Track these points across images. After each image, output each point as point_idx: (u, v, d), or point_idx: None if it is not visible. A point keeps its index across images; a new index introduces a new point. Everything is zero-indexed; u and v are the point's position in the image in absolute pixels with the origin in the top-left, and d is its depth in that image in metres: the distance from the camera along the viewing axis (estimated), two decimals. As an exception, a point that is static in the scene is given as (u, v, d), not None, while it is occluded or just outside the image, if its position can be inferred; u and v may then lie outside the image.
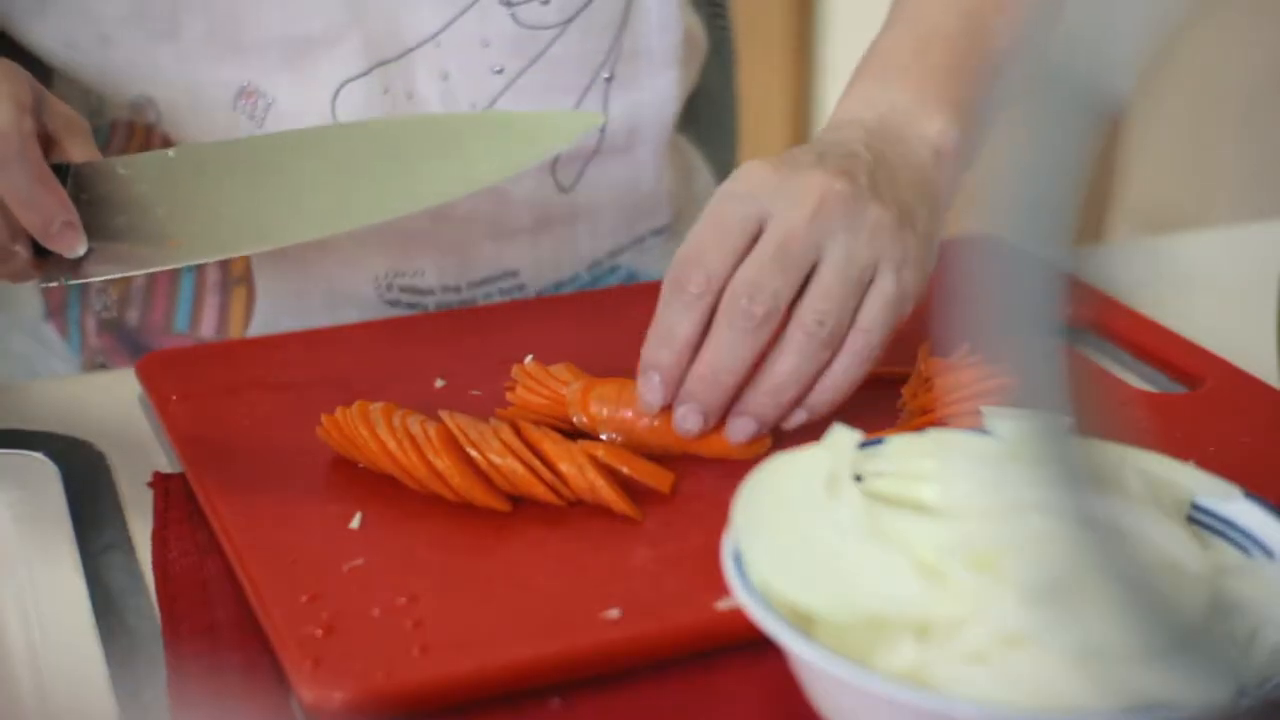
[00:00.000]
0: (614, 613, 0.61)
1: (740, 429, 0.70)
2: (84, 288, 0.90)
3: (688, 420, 0.70)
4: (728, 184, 0.72)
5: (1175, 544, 0.53)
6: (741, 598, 0.53)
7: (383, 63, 0.84)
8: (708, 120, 1.01)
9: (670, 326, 0.70)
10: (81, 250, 0.72)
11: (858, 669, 0.50)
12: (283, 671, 0.59)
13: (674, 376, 0.70)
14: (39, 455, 0.75)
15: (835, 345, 0.69)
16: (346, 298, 0.89)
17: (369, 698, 0.57)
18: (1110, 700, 0.48)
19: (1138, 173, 2.08)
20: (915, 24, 0.81)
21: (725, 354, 0.69)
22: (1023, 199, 0.42)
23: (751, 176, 0.71)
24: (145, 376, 0.80)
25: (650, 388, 0.70)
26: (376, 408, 0.71)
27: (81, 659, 0.61)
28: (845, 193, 0.69)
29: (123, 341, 0.90)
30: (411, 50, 0.85)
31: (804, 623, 0.52)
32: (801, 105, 2.42)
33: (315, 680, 0.57)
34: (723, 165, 1.08)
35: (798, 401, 0.70)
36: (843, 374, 0.70)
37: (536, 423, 0.72)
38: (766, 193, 0.70)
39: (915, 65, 0.78)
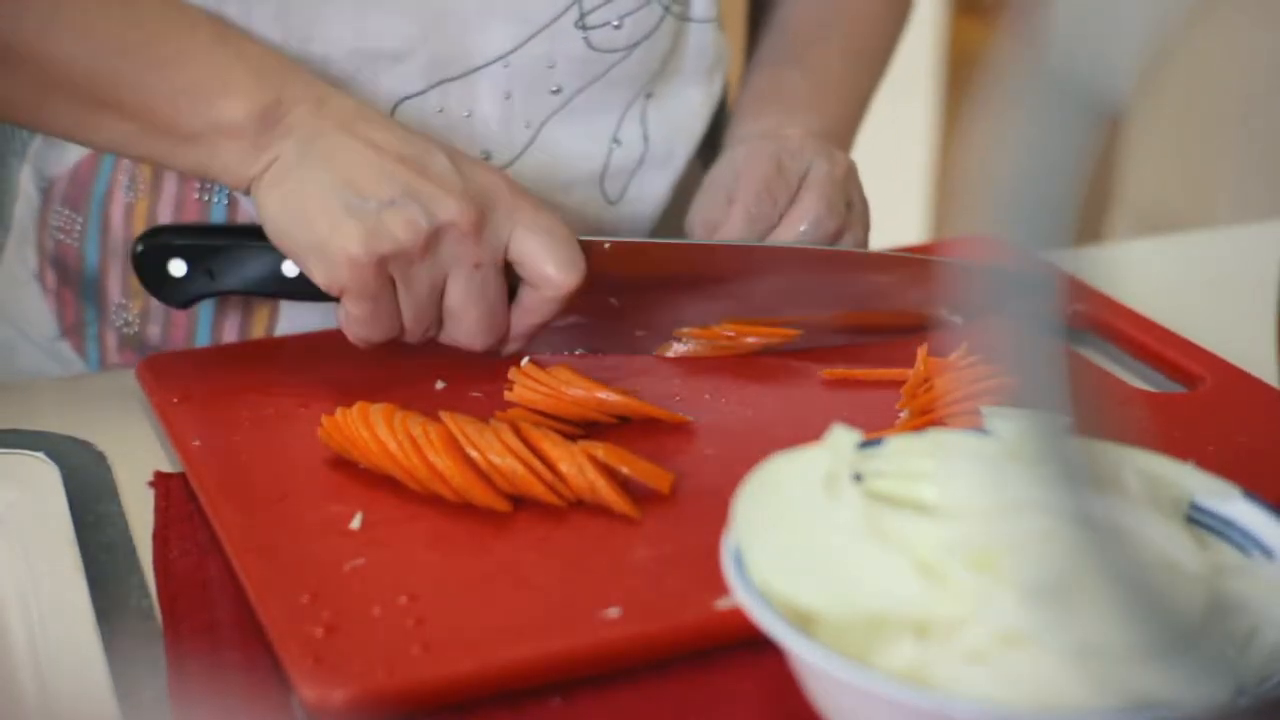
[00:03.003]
0: (614, 612, 0.61)
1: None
2: (101, 303, 0.90)
3: None
4: (780, 142, 0.88)
5: (1174, 544, 0.53)
6: (741, 597, 0.53)
7: (443, 81, 0.84)
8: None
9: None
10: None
11: (857, 668, 0.50)
12: (284, 671, 0.59)
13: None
14: (39, 455, 0.75)
15: None
16: None
17: (370, 697, 0.57)
18: (1109, 700, 0.48)
19: (1137, 173, 2.08)
20: (811, 69, 0.95)
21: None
22: (1023, 199, 0.42)
23: (797, 137, 0.89)
24: (146, 379, 0.80)
25: None
26: (377, 409, 0.71)
27: (82, 659, 0.61)
28: (854, 170, 0.90)
29: (145, 357, 0.90)
30: (478, 69, 0.85)
31: (804, 622, 0.53)
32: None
33: (316, 679, 0.57)
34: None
35: None
36: None
37: (536, 423, 0.72)
38: (811, 153, 0.88)
39: (816, 105, 0.93)
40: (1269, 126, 1.94)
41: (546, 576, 0.63)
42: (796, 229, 0.85)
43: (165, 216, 0.86)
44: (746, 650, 0.59)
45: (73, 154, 0.88)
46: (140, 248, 0.79)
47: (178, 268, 0.79)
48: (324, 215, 0.73)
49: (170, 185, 0.86)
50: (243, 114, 0.74)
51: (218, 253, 0.79)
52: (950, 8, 2.62)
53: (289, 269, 0.78)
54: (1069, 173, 0.41)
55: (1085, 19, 0.41)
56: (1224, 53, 1.93)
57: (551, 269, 0.76)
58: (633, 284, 0.82)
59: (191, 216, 0.86)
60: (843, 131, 0.95)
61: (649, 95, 0.91)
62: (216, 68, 0.75)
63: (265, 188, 0.75)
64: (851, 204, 0.88)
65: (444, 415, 0.71)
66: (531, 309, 0.78)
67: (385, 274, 0.74)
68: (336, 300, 0.76)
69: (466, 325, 0.77)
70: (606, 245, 0.80)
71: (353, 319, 0.75)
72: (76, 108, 0.76)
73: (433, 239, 0.74)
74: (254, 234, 0.78)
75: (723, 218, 0.86)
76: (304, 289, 0.78)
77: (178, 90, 0.75)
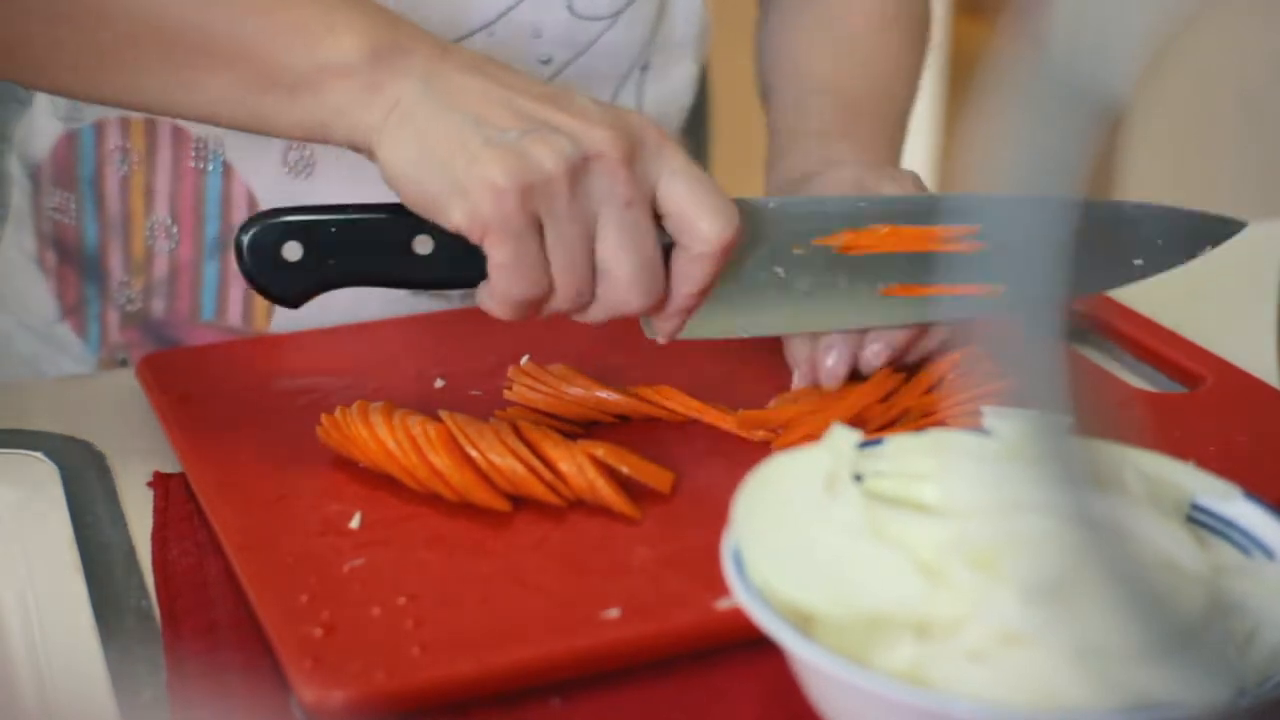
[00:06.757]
0: (613, 612, 0.61)
1: (876, 354, 0.78)
2: (103, 281, 0.90)
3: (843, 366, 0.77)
4: (839, 176, 0.81)
5: (1174, 544, 0.53)
6: (741, 597, 0.53)
7: None
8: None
9: None
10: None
11: (857, 668, 0.50)
12: (283, 671, 0.59)
13: (857, 341, 0.78)
14: (39, 455, 0.75)
15: None
16: (373, 291, 0.89)
17: (369, 697, 0.57)
18: (1109, 699, 0.48)
19: (1138, 173, 2.07)
20: (837, 94, 0.89)
21: None
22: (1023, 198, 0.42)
23: (856, 169, 0.82)
24: (145, 377, 0.80)
25: (840, 362, 0.77)
26: (376, 407, 0.71)
27: (82, 659, 0.61)
28: (920, 182, 0.83)
29: (148, 334, 0.90)
30: (464, 38, 0.85)
31: (803, 622, 0.52)
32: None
33: (315, 680, 0.57)
34: (695, 150, 1.08)
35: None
36: None
37: (536, 422, 0.72)
38: (873, 181, 0.80)
39: (850, 133, 0.87)
40: (1269, 126, 1.94)
41: (546, 576, 0.63)
42: None
43: (162, 187, 0.86)
44: (746, 650, 0.59)
45: (48, 136, 0.88)
46: (250, 231, 0.70)
47: (293, 251, 0.70)
48: (460, 151, 0.66)
49: (164, 154, 0.86)
50: (354, 51, 0.68)
51: (338, 230, 0.70)
52: (950, 8, 2.62)
53: (421, 245, 0.70)
54: (1070, 172, 0.41)
55: (1085, 19, 0.41)
56: (1224, 53, 1.93)
57: (704, 221, 0.68)
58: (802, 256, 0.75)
59: (187, 186, 0.85)
60: (876, 152, 0.88)
61: (644, 68, 0.90)
62: (323, 8, 0.69)
63: (388, 133, 0.67)
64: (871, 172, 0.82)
65: (443, 414, 0.70)
66: (685, 274, 0.70)
67: (530, 209, 0.66)
68: (471, 285, 0.69)
69: (621, 278, 0.68)
70: (771, 205, 0.74)
71: (498, 268, 0.67)
72: (169, 65, 0.70)
73: (580, 169, 0.66)
74: (368, 211, 0.71)
75: None
76: (437, 270, 0.70)
77: (281, 29, 0.68)
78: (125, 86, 0.71)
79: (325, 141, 0.71)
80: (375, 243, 0.70)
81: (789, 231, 0.74)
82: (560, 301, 0.69)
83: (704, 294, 0.71)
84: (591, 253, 0.68)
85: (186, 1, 0.69)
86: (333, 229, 0.70)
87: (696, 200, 0.68)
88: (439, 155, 0.66)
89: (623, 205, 0.67)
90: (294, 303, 0.71)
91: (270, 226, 0.70)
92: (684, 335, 0.73)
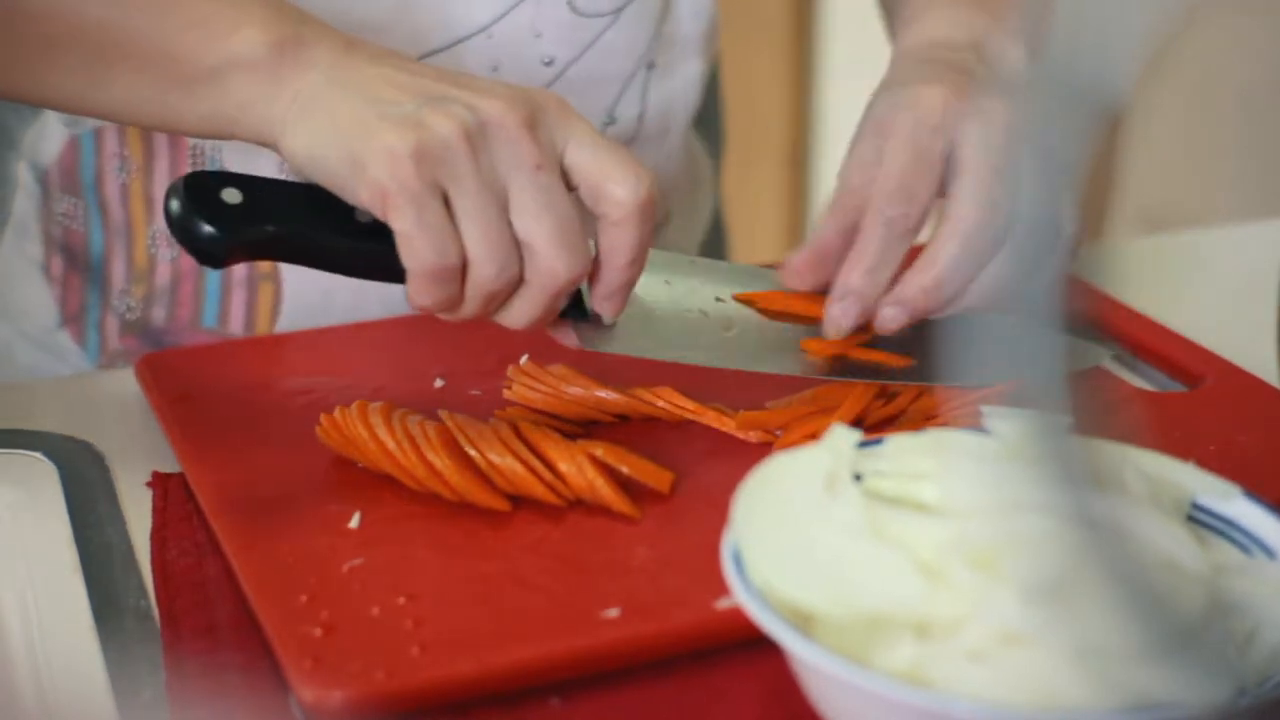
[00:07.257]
0: (613, 612, 0.61)
1: (893, 318, 0.75)
2: (105, 289, 0.90)
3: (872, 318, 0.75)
4: (918, 113, 0.75)
5: (1175, 543, 0.53)
6: (741, 597, 0.53)
7: (428, 54, 0.83)
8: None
9: (883, 254, 0.74)
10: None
11: (857, 668, 0.50)
12: (282, 671, 0.59)
13: (872, 299, 0.75)
14: (39, 455, 0.75)
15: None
16: (374, 296, 0.89)
17: (368, 697, 0.57)
18: (1109, 699, 0.48)
19: (1138, 173, 2.08)
20: None
21: (953, 274, 0.74)
22: (1025, 197, 0.42)
23: (937, 106, 0.75)
24: (144, 377, 0.80)
25: (847, 314, 0.74)
26: (375, 407, 0.71)
27: (80, 659, 0.61)
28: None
29: (148, 341, 0.90)
30: (461, 41, 0.84)
31: (803, 622, 0.52)
32: (794, 88, 2.40)
33: (315, 680, 0.57)
34: (712, 148, 1.08)
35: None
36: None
37: (536, 422, 0.72)
38: (955, 123, 0.75)
39: (982, 4, 0.81)
40: (1269, 126, 1.94)
41: (546, 576, 0.63)
42: (947, 253, 0.74)
43: (161, 195, 0.86)
44: (746, 650, 0.58)
45: (56, 142, 0.88)
46: (187, 178, 0.67)
47: (232, 195, 0.67)
48: (358, 127, 0.65)
49: (162, 161, 0.86)
50: (259, 44, 0.68)
51: (281, 186, 0.68)
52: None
53: (363, 214, 0.67)
54: (1070, 172, 0.41)
55: (1085, 19, 0.41)
56: (1226, 52, 1.93)
57: (613, 185, 0.67)
58: None
59: None
60: (1010, 20, 0.81)
61: (650, 65, 0.90)
62: (228, 4, 0.69)
63: (291, 123, 0.67)
64: (965, 86, 0.76)
65: (443, 414, 0.71)
66: (612, 245, 0.68)
67: (429, 177, 0.64)
68: (398, 277, 0.67)
69: (543, 244, 0.66)
70: (692, 261, 0.76)
71: (402, 238, 0.65)
72: (85, 64, 0.70)
73: (479, 136, 0.65)
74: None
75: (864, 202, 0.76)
76: (380, 244, 0.67)
77: (190, 25, 0.69)
78: (38, 85, 0.72)
79: (232, 137, 0.70)
80: (317, 202, 0.68)
81: (709, 284, 0.76)
82: (483, 279, 0.66)
83: (637, 264, 0.69)
84: (507, 225, 0.66)
85: (105, 3, 0.69)
86: (276, 185, 0.69)
87: (603, 166, 0.67)
88: (339, 134, 0.66)
89: (531, 169, 0.66)
90: (222, 254, 0.67)
91: (211, 173, 0.68)
92: (616, 350, 0.72)
